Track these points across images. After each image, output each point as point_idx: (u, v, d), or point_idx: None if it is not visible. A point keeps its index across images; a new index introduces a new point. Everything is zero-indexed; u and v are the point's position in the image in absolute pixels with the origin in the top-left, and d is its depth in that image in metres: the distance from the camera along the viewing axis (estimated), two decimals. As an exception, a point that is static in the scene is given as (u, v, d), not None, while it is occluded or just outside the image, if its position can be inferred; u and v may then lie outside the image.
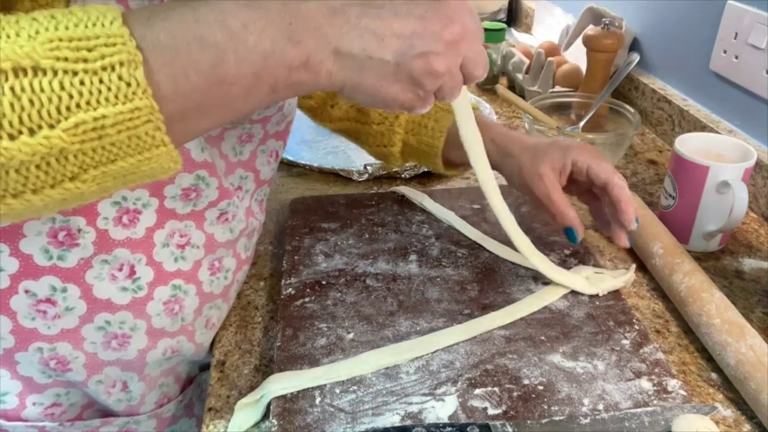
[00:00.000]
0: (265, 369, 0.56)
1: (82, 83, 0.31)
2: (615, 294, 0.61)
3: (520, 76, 1.15)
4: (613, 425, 0.47)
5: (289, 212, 0.75)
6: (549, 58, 1.09)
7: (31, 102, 0.30)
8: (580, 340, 0.56)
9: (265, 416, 0.51)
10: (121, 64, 0.31)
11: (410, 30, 0.38)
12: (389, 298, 0.61)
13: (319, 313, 0.59)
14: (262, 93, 0.37)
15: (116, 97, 0.31)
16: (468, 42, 0.41)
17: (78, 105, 0.31)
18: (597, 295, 0.61)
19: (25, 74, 0.30)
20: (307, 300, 0.61)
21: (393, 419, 0.48)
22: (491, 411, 0.49)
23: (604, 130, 0.90)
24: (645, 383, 0.51)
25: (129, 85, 0.31)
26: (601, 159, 0.62)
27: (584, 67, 1.05)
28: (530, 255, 0.63)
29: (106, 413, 0.58)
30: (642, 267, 0.68)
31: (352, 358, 0.53)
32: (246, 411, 0.50)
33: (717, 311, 0.56)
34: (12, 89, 0.30)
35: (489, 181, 0.60)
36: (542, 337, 0.56)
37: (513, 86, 1.19)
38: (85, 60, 0.31)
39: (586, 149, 0.63)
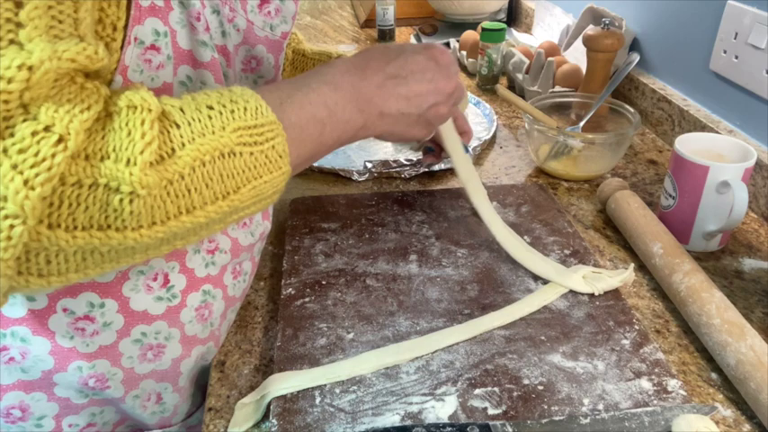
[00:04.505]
0: (265, 369, 0.56)
1: (256, 159, 0.42)
2: (615, 294, 0.61)
3: (520, 76, 1.15)
4: (613, 425, 0.47)
5: (289, 212, 0.75)
6: (549, 58, 1.09)
7: (228, 176, 0.40)
8: (580, 340, 0.56)
9: (265, 416, 0.51)
10: (279, 144, 0.43)
11: (425, 90, 0.54)
12: (389, 298, 0.61)
13: (319, 313, 0.59)
14: (336, 145, 0.51)
15: (274, 167, 0.43)
16: (458, 89, 0.59)
17: (253, 176, 0.42)
18: (594, 295, 0.61)
19: (224, 157, 0.40)
20: (307, 300, 0.61)
21: (393, 419, 0.48)
22: (491, 411, 0.49)
23: (604, 130, 0.90)
24: (645, 383, 0.51)
25: (281, 157, 0.43)
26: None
27: (584, 67, 1.05)
28: (523, 257, 0.64)
29: (137, 428, 0.58)
30: (642, 267, 0.68)
31: (352, 358, 0.53)
32: (246, 411, 0.50)
33: (717, 311, 0.56)
34: (218, 169, 0.40)
35: (477, 188, 0.69)
36: (542, 337, 0.56)
37: (513, 86, 1.19)
38: (257, 143, 0.41)
39: None
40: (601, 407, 0.49)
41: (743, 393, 0.51)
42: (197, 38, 0.47)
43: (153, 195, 0.37)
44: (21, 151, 0.33)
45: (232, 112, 0.41)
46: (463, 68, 1.32)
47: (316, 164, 0.87)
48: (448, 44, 1.42)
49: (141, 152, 0.36)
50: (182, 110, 0.40)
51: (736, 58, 0.83)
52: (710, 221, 0.69)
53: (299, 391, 0.50)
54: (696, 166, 0.67)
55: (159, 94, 0.45)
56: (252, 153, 0.41)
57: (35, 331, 0.48)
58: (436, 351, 0.55)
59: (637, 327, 0.57)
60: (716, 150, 0.71)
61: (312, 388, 0.51)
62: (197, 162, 0.39)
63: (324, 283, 0.63)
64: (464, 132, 0.70)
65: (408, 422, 0.48)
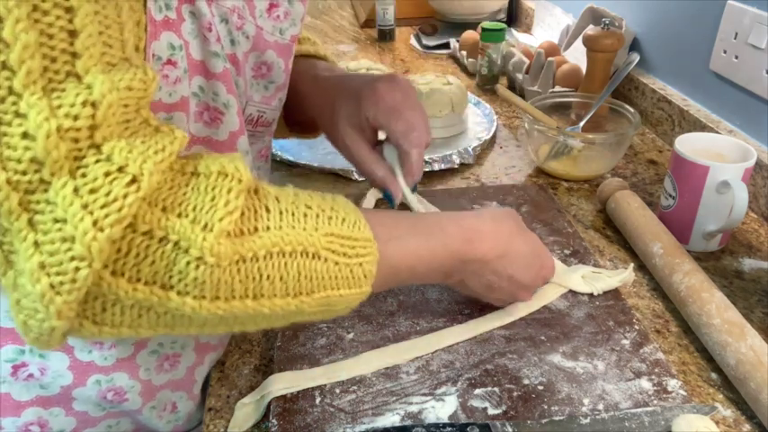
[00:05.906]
0: (265, 369, 0.56)
1: (339, 270, 0.41)
2: (615, 294, 0.61)
3: (520, 76, 1.15)
4: (613, 425, 0.47)
5: (289, 212, 0.75)
6: (549, 58, 1.09)
7: (306, 277, 0.40)
8: (580, 340, 0.56)
9: (265, 416, 0.51)
10: (368, 263, 0.42)
11: (507, 291, 0.55)
12: (389, 298, 0.61)
13: (319, 313, 0.59)
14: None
15: (355, 283, 0.42)
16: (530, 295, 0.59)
17: (331, 285, 0.41)
18: (593, 295, 0.61)
19: (307, 256, 0.40)
20: (307, 300, 0.61)
21: (393, 419, 0.48)
22: (491, 411, 0.49)
23: (604, 130, 0.90)
24: (645, 383, 0.51)
25: (365, 277, 0.42)
26: (399, 118, 0.56)
27: (584, 67, 1.05)
28: None
29: None
30: (642, 267, 0.68)
31: (352, 358, 0.53)
32: (246, 411, 0.50)
33: (717, 311, 0.56)
34: (298, 265, 0.39)
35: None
36: (542, 337, 0.56)
37: (513, 86, 1.19)
38: (346, 255, 0.41)
39: (382, 94, 0.57)
40: (601, 407, 0.49)
41: (743, 393, 0.51)
42: (209, 49, 0.46)
43: (222, 267, 0.35)
44: (92, 191, 0.32)
45: (329, 218, 0.41)
46: (463, 68, 1.32)
47: (316, 164, 0.87)
48: (448, 44, 1.42)
49: (221, 219, 0.35)
50: (277, 198, 0.40)
51: (736, 58, 0.83)
52: (710, 221, 0.69)
53: (299, 391, 0.50)
54: (696, 166, 0.67)
55: (176, 108, 0.44)
56: (337, 263, 0.41)
57: None
58: (436, 351, 0.55)
59: (637, 327, 0.57)
60: (716, 150, 0.71)
61: (312, 388, 0.51)
62: (276, 248, 0.38)
63: (324, 283, 0.63)
64: (409, 174, 0.59)
65: (408, 422, 0.48)
